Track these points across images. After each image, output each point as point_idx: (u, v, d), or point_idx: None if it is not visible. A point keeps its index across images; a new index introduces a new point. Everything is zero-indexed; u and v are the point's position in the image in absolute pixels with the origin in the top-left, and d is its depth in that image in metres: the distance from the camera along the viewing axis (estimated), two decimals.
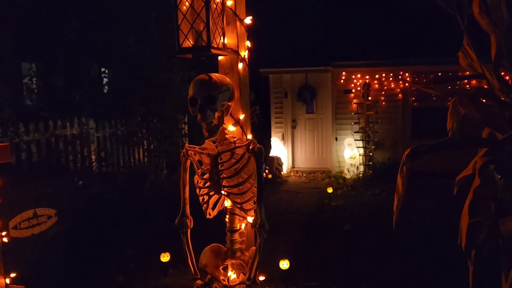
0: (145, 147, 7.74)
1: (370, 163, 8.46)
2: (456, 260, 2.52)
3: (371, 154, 8.52)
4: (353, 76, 8.80)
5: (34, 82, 7.82)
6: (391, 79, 8.64)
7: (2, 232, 2.56)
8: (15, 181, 3.33)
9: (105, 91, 8.26)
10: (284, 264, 3.81)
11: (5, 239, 2.57)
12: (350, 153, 8.60)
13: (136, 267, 4.26)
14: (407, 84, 8.47)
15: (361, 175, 8.36)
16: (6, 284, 2.56)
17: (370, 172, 8.34)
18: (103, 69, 8.12)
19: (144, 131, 7.42)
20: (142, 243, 4.76)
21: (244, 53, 1.99)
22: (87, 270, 4.12)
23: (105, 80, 8.47)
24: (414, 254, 4.41)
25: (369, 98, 8.49)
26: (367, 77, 8.70)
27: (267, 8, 7.55)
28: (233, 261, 1.96)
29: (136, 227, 5.21)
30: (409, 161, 1.67)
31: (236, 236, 1.94)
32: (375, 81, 8.70)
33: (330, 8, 11.34)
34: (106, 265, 4.26)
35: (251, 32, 2.07)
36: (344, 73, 8.82)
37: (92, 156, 6.90)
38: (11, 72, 7.44)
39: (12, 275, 2.61)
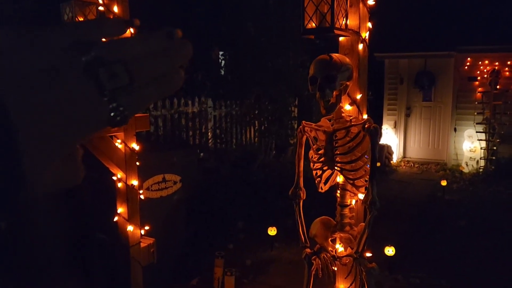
0: (256, 127, 8.09)
1: (493, 157, 7.73)
2: None
3: (495, 148, 7.78)
4: (480, 62, 8.05)
5: None
6: None
7: (140, 190, 2.99)
8: (148, 149, 3.80)
9: (222, 72, 8.78)
10: (390, 251, 3.77)
11: (142, 196, 3.00)
12: (470, 145, 7.95)
13: (245, 237, 4.57)
14: None
15: (481, 170, 7.71)
16: (141, 234, 2.99)
17: (493, 167, 7.64)
18: (221, 52, 8.61)
19: (256, 112, 7.75)
20: (251, 217, 5.07)
21: (365, 34, 2.02)
22: (202, 234, 4.55)
23: (223, 62, 8.99)
24: None
25: (498, 86, 7.72)
26: (497, 63, 7.89)
27: None
28: (341, 235, 2.04)
29: (246, 201, 5.54)
30: None
31: (346, 211, 2.02)
32: (506, 68, 7.86)
33: None
34: (219, 232, 4.65)
35: (372, 12, 2.08)
36: (469, 58, 8.12)
37: (209, 133, 7.46)
38: None
39: (146, 227, 3.04)
